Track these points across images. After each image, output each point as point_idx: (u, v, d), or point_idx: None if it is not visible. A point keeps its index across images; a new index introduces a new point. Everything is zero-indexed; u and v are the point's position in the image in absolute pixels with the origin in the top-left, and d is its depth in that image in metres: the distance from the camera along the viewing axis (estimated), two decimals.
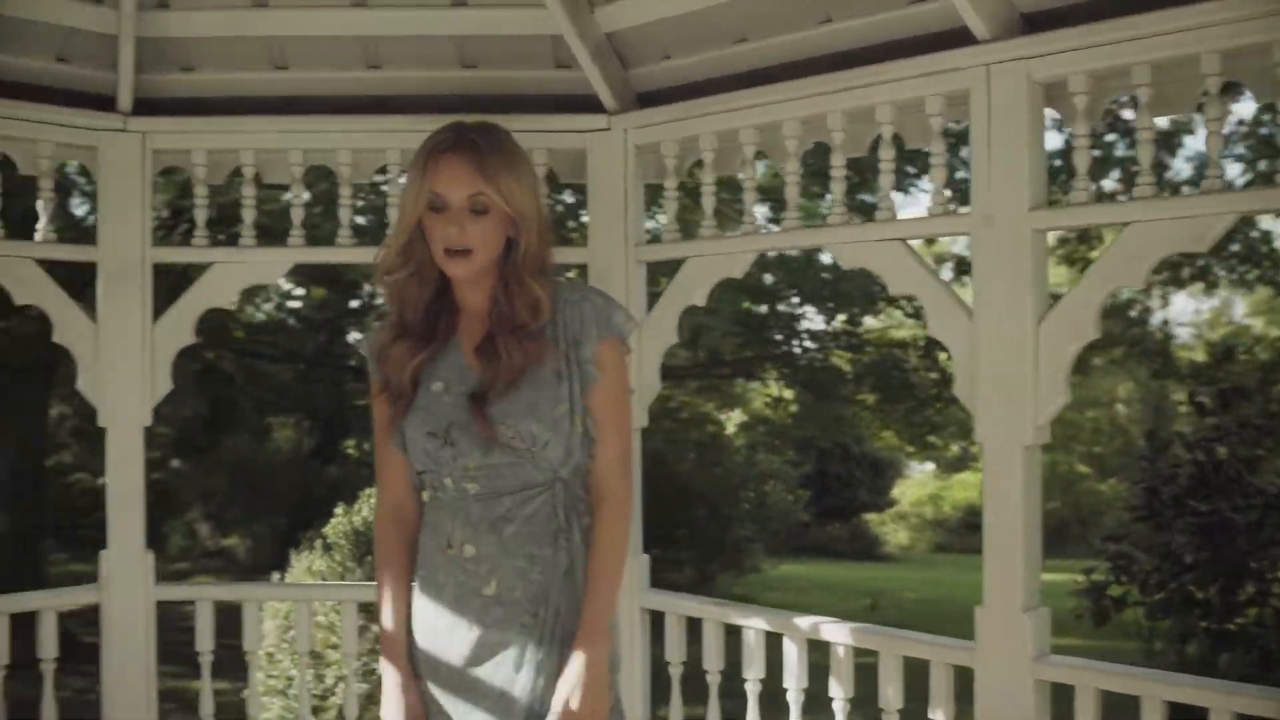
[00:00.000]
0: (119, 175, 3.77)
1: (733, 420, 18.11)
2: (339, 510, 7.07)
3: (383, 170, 3.96)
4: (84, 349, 3.77)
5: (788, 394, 16.88)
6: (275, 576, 7.66)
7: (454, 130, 2.30)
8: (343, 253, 3.89)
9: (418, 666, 2.36)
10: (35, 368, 11.73)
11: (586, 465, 2.35)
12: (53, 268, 3.79)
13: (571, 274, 3.80)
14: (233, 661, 4.38)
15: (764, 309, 13.92)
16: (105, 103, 3.76)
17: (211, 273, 3.87)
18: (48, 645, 3.77)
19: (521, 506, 2.30)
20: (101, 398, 3.78)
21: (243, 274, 3.89)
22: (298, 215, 3.88)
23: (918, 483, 27.17)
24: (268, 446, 17.43)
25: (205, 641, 3.92)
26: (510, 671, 2.28)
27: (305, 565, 6.87)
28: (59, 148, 3.73)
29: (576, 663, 2.24)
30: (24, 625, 3.76)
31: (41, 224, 3.75)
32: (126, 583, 3.80)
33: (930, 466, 26.58)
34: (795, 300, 13.84)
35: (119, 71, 3.68)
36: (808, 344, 14.73)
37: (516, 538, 2.30)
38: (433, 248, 2.29)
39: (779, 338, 14.63)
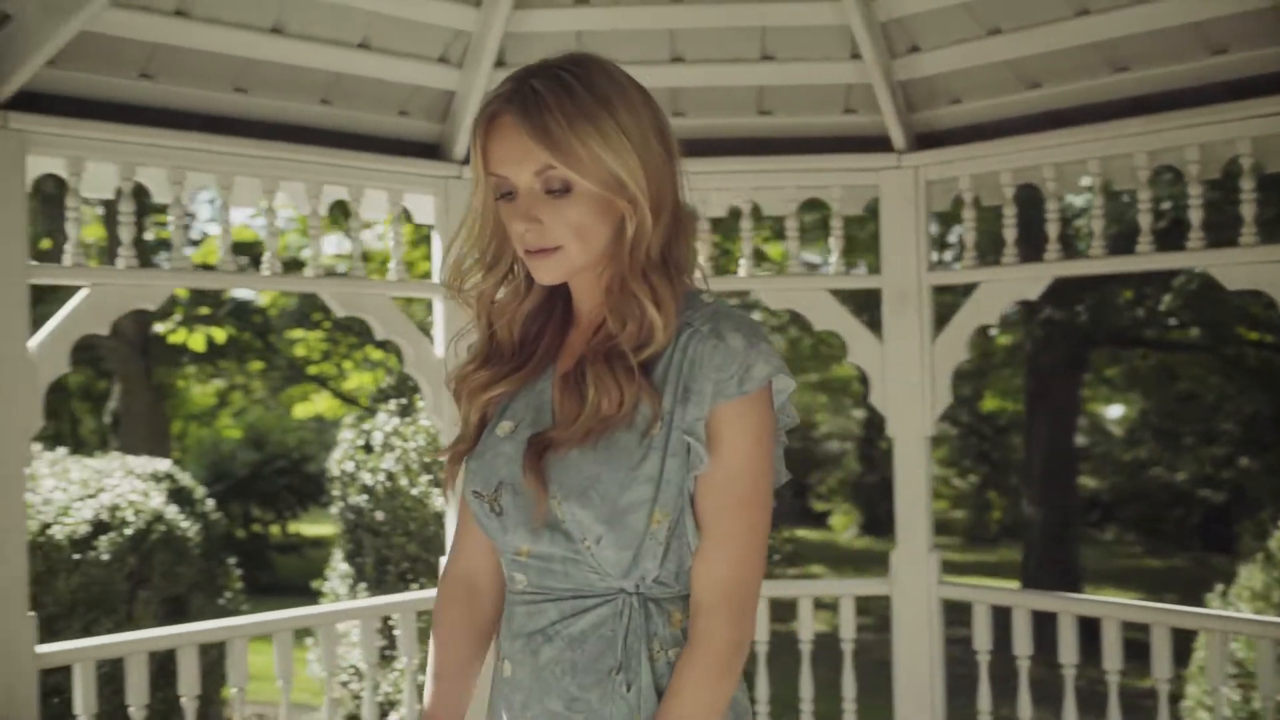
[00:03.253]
0: (897, 207, 4.14)
1: None
2: None
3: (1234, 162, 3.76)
4: (873, 367, 4.21)
5: None
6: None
7: (513, 79, 1.58)
8: (1096, 264, 3.84)
9: None
10: (1062, 364, 12.44)
11: (681, 580, 1.59)
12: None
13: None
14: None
15: None
16: (882, 144, 4.16)
17: (979, 292, 4.06)
18: (846, 627, 4.28)
19: (570, 622, 1.59)
20: (889, 410, 4.19)
21: (1006, 291, 4.02)
22: (1054, 229, 3.91)
23: None
24: None
25: (982, 641, 4.10)
26: None
27: (1245, 580, 6.47)
28: (847, 190, 4.22)
29: None
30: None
31: (833, 259, 4.28)
32: (913, 580, 4.15)
33: None
34: None
35: (885, 114, 4.05)
36: None
37: (555, 666, 1.58)
38: (515, 247, 1.62)
39: None
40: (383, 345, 14.59)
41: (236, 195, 3.79)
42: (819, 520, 23.27)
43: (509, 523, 1.61)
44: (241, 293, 12.61)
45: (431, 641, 1.77)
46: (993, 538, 20.58)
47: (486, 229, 1.67)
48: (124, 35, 3.39)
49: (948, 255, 13.48)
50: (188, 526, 5.37)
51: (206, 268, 8.20)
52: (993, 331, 14.31)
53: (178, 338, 10.32)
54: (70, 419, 18.31)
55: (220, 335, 10.42)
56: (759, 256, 12.15)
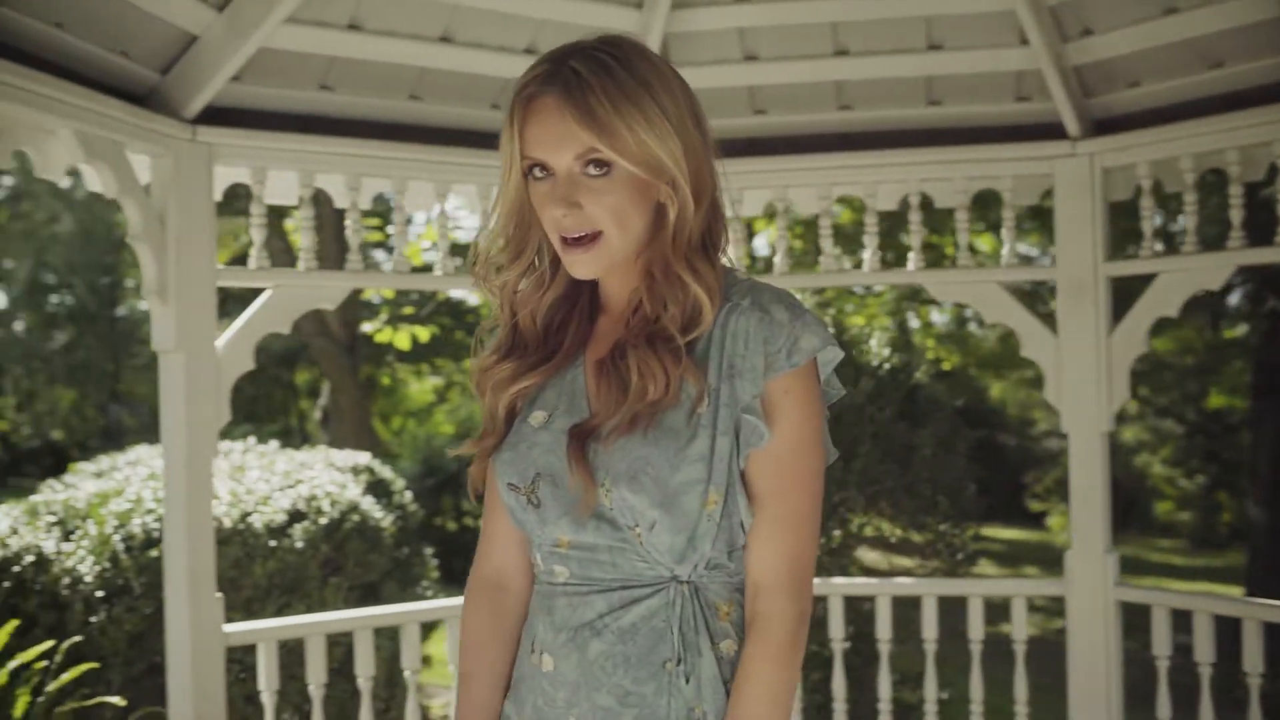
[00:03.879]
0: (1072, 197, 4.01)
1: None
2: None
3: None
4: (1047, 361, 4.08)
5: None
6: None
7: (550, 60, 1.54)
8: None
9: None
10: None
11: (734, 558, 1.55)
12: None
13: None
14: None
15: None
16: (1056, 131, 4.03)
17: (1159, 283, 3.90)
18: (1019, 628, 4.16)
19: (619, 614, 1.53)
20: (1064, 406, 4.06)
21: (1185, 282, 3.85)
22: (1238, 216, 3.72)
23: None
24: None
25: (1161, 645, 3.93)
26: None
27: None
28: (1019, 180, 4.10)
29: None
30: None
31: (1005, 250, 4.17)
32: (1089, 581, 4.01)
33: None
34: None
35: (1057, 100, 3.93)
36: None
37: (605, 661, 1.53)
38: (549, 234, 1.58)
39: None
40: None
41: (410, 199, 3.95)
42: (1035, 521, 22.53)
43: (548, 514, 1.56)
44: (456, 292, 13.00)
45: (460, 645, 1.73)
46: (1222, 541, 19.53)
47: (514, 217, 1.61)
48: (302, 50, 3.58)
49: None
50: (381, 517, 5.61)
51: (418, 269, 8.53)
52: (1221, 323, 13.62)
53: (384, 337, 10.73)
54: (298, 415, 19.30)
55: (424, 334, 10.78)
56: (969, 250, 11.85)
